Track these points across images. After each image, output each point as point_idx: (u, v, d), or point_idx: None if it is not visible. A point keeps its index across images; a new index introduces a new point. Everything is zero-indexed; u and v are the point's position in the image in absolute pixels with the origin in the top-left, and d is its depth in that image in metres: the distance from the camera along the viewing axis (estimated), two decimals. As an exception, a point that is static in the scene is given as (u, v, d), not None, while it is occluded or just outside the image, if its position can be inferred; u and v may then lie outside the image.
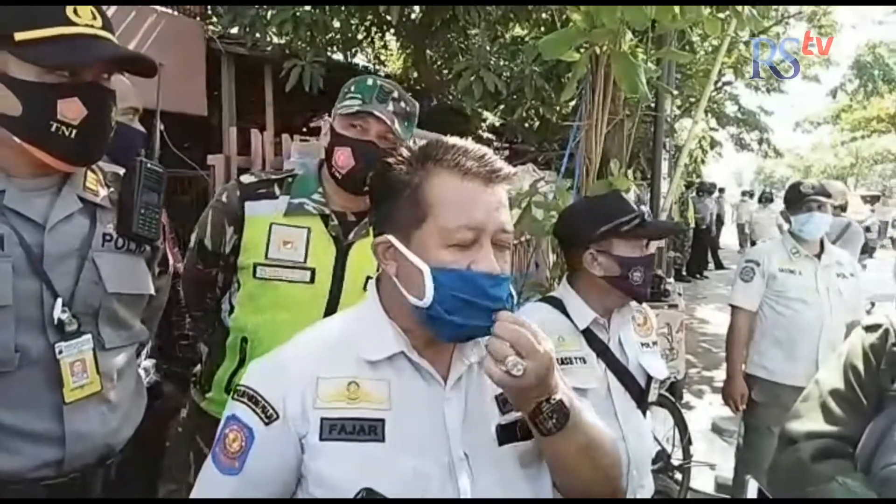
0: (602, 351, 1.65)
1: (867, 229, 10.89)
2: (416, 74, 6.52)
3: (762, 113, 13.51)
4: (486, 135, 6.29)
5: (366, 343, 0.97)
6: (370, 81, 1.68)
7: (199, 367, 1.85)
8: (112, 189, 1.32)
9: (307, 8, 5.01)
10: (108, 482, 1.25)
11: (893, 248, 12.51)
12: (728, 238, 16.67)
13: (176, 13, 5.05)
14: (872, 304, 4.62)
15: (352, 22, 5.63)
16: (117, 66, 1.22)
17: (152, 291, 1.38)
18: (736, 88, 12.47)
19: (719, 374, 5.89)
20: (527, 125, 6.38)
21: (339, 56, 5.92)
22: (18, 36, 1.08)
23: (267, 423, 0.92)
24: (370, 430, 0.92)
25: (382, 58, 7.66)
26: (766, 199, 13.40)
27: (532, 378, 0.87)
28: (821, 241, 3.00)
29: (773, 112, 13.79)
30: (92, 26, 1.14)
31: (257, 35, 5.05)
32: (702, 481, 3.78)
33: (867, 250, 6.36)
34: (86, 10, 1.14)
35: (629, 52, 2.65)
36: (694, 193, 12.42)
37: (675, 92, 6.80)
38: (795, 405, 1.28)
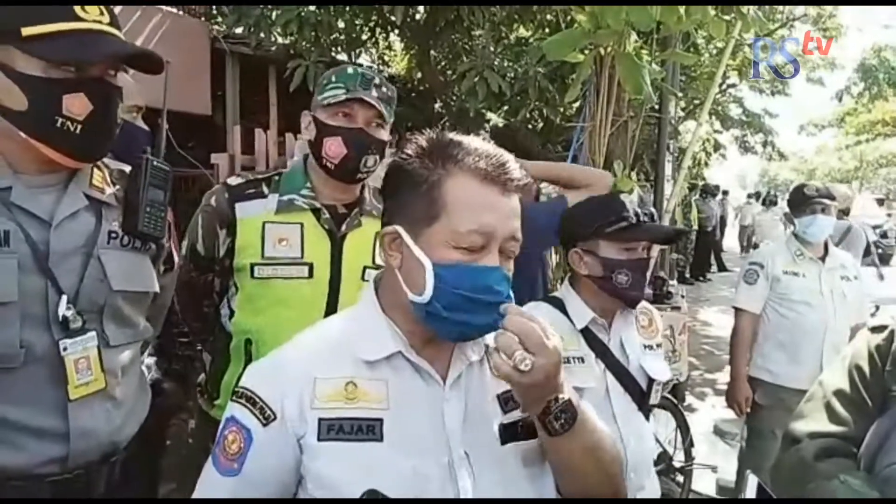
0: (602, 351, 1.64)
1: (883, 235, 10.71)
2: (419, 75, 6.52)
3: (766, 115, 13.48)
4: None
5: (363, 343, 0.97)
6: (350, 70, 1.68)
7: (202, 375, 1.83)
8: (118, 187, 1.32)
9: (312, 8, 5.01)
10: (111, 479, 1.25)
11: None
12: (731, 241, 16.64)
13: (181, 13, 5.06)
14: (877, 308, 4.60)
15: (356, 22, 5.63)
16: (124, 63, 1.22)
17: (157, 289, 1.38)
18: (740, 91, 12.44)
19: (722, 377, 5.88)
20: (531, 126, 6.38)
21: (343, 56, 5.92)
22: (25, 31, 1.08)
23: (265, 424, 0.92)
24: (368, 429, 0.92)
25: (386, 58, 7.66)
26: (769, 202, 13.37)
27: (540, 375, 0.86)
28: (825, 244, 3.00)
29: (777, 115, 13.76)
30: (99, 22, 1.14)
31: (262, 35, 5.06)
32: (703, 484, 3.77)
33: (879, 257, 6.28)
34: (93, 8, 1.14)
35: (633, 53, 2.65)
36: (697, 196, 12.40)
37: (680, 94, 6.80)
38: (799, 406, 1.28)
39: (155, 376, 1.72)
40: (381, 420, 0.93)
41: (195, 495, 0.97)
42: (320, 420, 0.92)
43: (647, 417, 1.69)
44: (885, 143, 20.67)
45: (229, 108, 5.20)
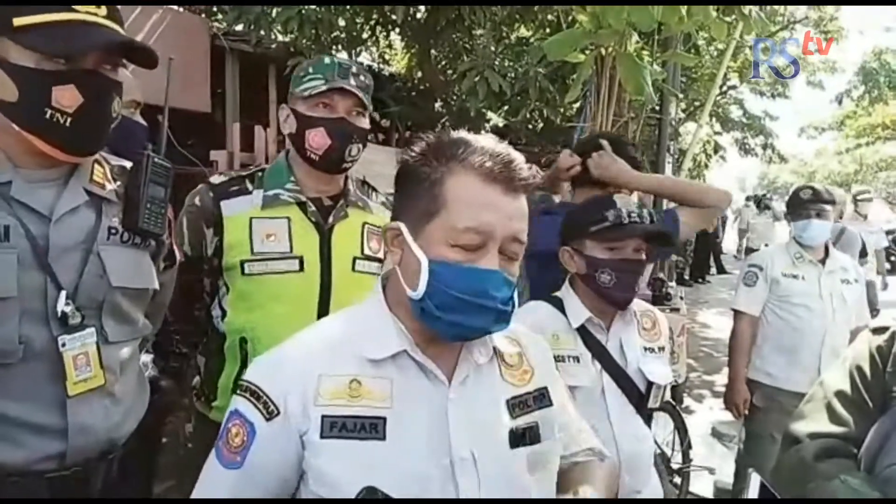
0: (599, 352, 1.64)
1: None
2: (420, 74, 6.51)
3: (767, 118, 13.47)
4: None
5: (369, 341, 0.96)
6: (327, 60, 1.69)
7: (196, 378, 1.81)
8: (118, 183, 1.32)
9: (312, 6, 5.01)
10: (109, 477, 1.25)
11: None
12: (730, 243, 16.64)
13: (181, 9, 5.05)
14: (878, 311, 4.60)
15: (357, 21, 5.63)
16: (119, 55, 1.20)
17: (156, 286, 1.37)
18: (741, 93, 12.44)
19: (720, 379, 5.89)
20: (531, 126, 6.38)
21: (343, 55, 5.91)
22: (17, 21, 1.08)
23: (268, 419, 0.92)
24: (371, 428, 0.92)
25: (387, 57, 7.65)
26: (763, 206, 13.35)
27: None
28: (825, 247, 2.99)
29: (778, 117, 13.76)
30: (94, 14, 1.13)
31: (262, 32, 5.05)
32: (701, 485, 3.78)
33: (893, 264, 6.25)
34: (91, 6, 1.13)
35: (635, 54, 2.64)
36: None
37: (680, 95, 6.80)
38: (800, 406, 1.28)
39: (152, 374, 1.72)
40: (384, 419, 0.92)
41: (198, 487, 0.97)
42: (323, 417, 0.91)
43: (647, 421, 1.67)
44: (885, 147, 20.66)
45: (229, 106, 5.19)
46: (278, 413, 0.92)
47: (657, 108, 4.69)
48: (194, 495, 0.98)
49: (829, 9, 10.16)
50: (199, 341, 1.86)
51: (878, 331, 1.22)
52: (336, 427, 0.91)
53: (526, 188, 0.93)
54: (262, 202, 1.67)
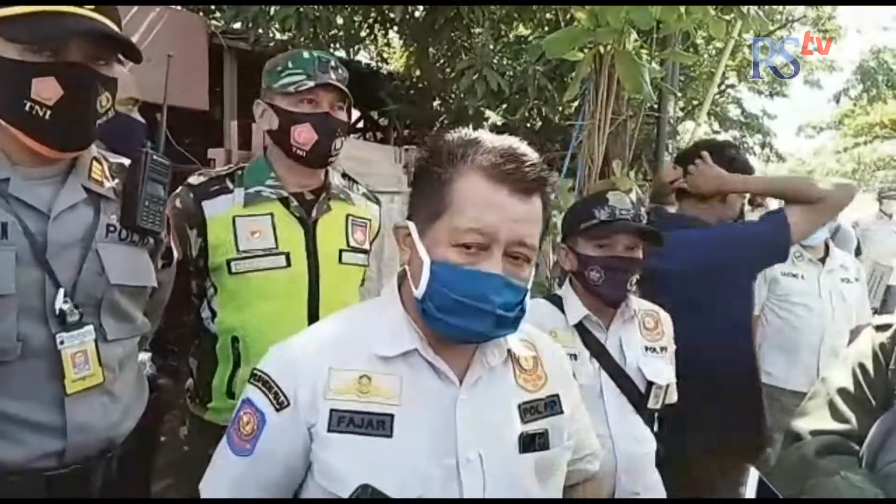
0: (597, 350, 1.64)
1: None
2: (418, 72, 6.51)
3: (765, 117, 13.48)
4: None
5: (381, 338, 0.97)
6: (306, 55, 1.69)
7: (190, 381, 1.80)
8: (117, 180, 1.31)
9: (310, 4, 5.00)
10: (108, 475, 1.25)
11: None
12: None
13: (179, 7, 5.04)
14: (876, 311, 4.60)
15: (355, 19, 5.62)
16: (107, 49, 1.18)
17: (155, 284, 1.37)
18: (739, 92, 12.44)
19: (718, 377, 5.86)
20: (529, 125, 6.38)
21: (341, 53, 5.90)
22: (0, 13, 1.07)
23: (278, 410, 0.93)
24: (379, 424, 0.92)
25: (385, 55, 7.64)
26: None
27: None
28: (825, 246, 2.99)
29: (776, 116, 13.76)
30: (80, 5, 1.12)
31: (260, 30, 5.04)
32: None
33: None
34: None
35: (633, 52, 2.64)
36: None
37: (679, 94, 6.80)
38: (802, 403, 1.27)
39: (150, 372, 1.71)
40: (391, 416, 0.92)
41: (208, 472, 1.00)
42: (332, 411, 0.92)
43: (648, 421, 1.65)
44: (883, 146, 20.68)
45: (227, 104, 5.19)
46: (288, 404, 0.93)
47: (656, 106, 4.68)
48: (204, 479, 0.99)
49: (827, 8, 10.17)
50: (190, 344, 1.85)
51: (881, 328, 1.22)
52: (344, 421, 0.92)
53: (535, 190, 0.92)
54: (244, 200, 1.67)
